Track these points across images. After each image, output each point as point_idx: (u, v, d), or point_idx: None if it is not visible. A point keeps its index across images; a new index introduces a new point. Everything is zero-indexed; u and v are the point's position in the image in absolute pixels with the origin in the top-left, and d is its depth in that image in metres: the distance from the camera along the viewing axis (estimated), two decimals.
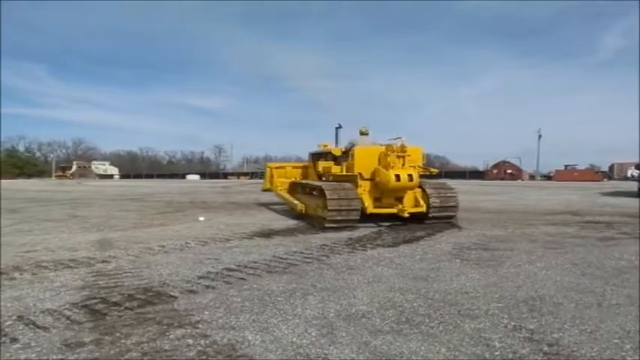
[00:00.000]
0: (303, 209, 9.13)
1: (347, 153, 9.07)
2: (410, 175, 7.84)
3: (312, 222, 8.53)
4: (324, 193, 7.69)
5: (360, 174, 8.29)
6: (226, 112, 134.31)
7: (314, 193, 8.76)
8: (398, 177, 7.77)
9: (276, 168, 12.38)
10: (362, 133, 9.40)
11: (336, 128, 11.63)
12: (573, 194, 19.79)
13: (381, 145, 8.61)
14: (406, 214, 7.95)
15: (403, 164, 7.96)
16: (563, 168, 54.84)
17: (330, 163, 9.61)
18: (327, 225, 7.58)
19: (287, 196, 10.70)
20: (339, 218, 7.63)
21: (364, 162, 8.34)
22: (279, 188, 11.45)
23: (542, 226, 8.16)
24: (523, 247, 5.92)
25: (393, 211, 8.15)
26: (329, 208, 7.55)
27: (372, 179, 8.25)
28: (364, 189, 8.25)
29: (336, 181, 8.60)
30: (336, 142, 11.28)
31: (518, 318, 3.08)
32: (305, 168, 11.83)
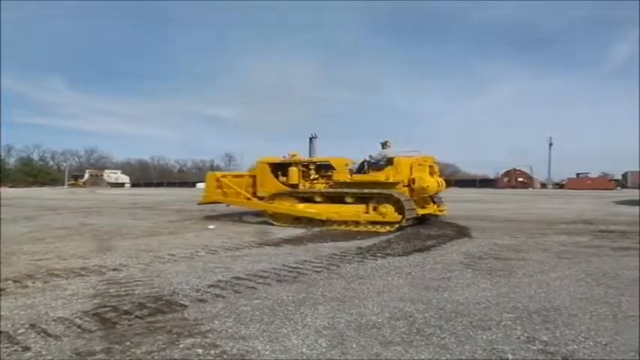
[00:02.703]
0: (334, 217, 9.31)
1: (375, 163, 9.79)
2: (443, 182, 9.68)
3: (347, 228, 9.07)
4: (397, 199, 8.88)
5: (402, 181, 9.34)
6: (237, 120, 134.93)
7: (348, 200, 9.42)
8: (438, 184, 9.37)
9: (223, 177, 11.38)
10: (386, 146, 9.93)
11: (311, 138, 11.44)
12: (586, 203, 19.54)
13: (406, 156, 9.66)
14: (445, 213, 9.97)
15: (434, 173, 9.50)
16: (575, 176, 54.27)
17: (339, 175, 9.97)
18: (403, 225, 8.74)
19: (274, 206, 10.11)
20: (409, 217, 8.82)
21: (403, 171, 9.35)
22: (254, 200, 10.63)
23: (555, 236, 8.06)
24: (535, 257, 5.84)
25: (431, 211, 9.75)
26: (407, 209, 8.73)
27: (407, 185, 9.35)
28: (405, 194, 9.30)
29: (377, 189, 9.30)
30: (310, 152, 11.12)
31: (531, 329, 3.04)
32: (252, 177, 11.05)
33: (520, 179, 56.37)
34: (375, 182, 9.45)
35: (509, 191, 39.39)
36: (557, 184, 57.33)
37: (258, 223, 10.23)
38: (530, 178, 57.66)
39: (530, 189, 48.89)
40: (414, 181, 9.24)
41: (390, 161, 9.54)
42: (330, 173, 10.23)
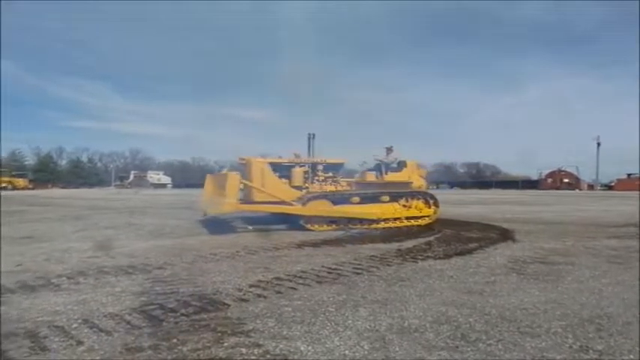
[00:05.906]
0: (381, 216, 9.67)
1: (388, 165, 10.62)
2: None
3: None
4: (428, 194, 10.49)
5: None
6: (274, 122, 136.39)
7: (383, 199, 9.83)
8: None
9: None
10: (391, 151, 10.80)
11: (309, 138, 11.04)
12: (637, 205, 18.53)
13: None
14: None
15: (421, 175, 11.13)
16: (625, 177, 51.67)
17: (369, 175, 10.57)
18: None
19: (328, 210, 9.27)
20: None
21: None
22: (295, 205, 9.17)
23: (605, 239, 7.69)
24: (585, 262, 5.59)
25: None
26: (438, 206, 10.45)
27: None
28: None
29: (402, 188, 10.43)
30: (309, 152, 10.75)
31: (584, 338, 2.90)
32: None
33: (566, 180, 54.21)
34: (400, 182, 10.53)
35: (555, 193, 37.96)
36: (605, 185, 54.75)
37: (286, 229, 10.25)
38: (576, 179, 55.35)
39: (577, 190, 46.94)
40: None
41: (402, 164, 10.79)
42: (332, 174, 10.37)
